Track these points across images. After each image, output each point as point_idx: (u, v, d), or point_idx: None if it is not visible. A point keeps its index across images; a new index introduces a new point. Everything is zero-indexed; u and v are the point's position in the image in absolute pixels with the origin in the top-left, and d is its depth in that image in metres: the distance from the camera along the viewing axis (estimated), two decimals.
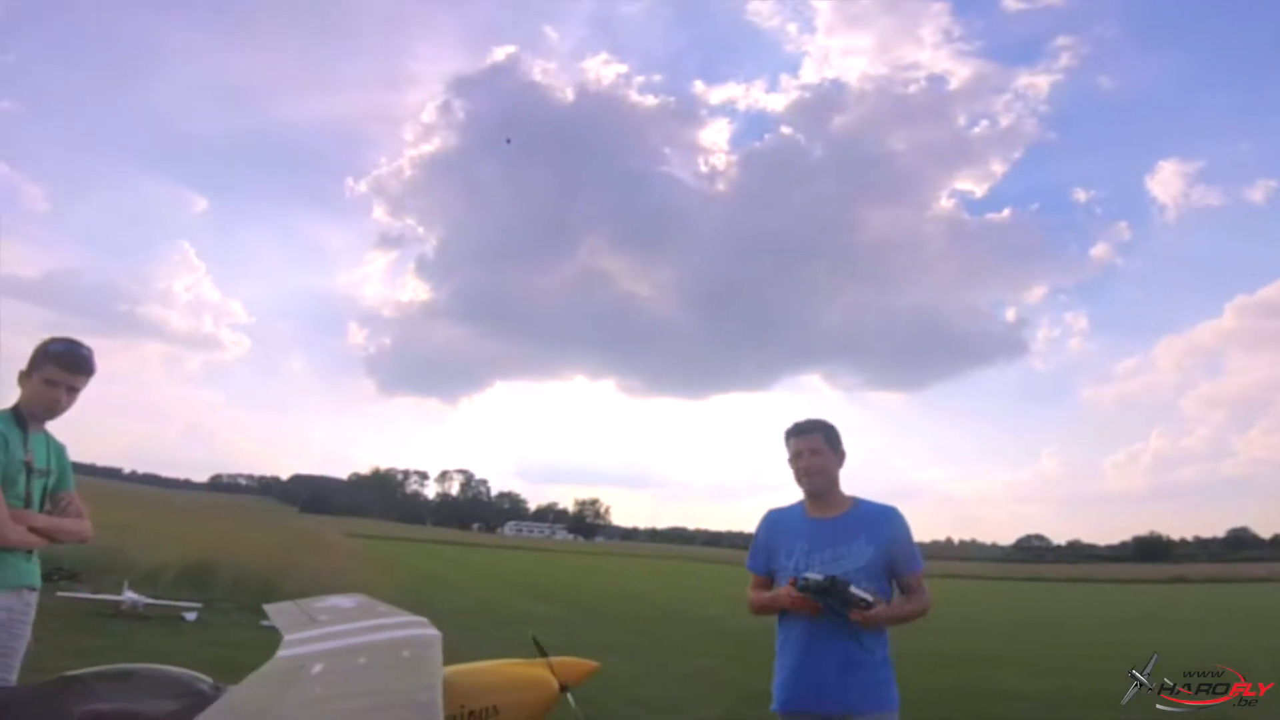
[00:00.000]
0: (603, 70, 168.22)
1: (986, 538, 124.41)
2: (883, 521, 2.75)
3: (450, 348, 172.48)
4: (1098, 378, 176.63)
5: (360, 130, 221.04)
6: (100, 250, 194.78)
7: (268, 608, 3.63)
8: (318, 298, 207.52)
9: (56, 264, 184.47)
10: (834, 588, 2.62)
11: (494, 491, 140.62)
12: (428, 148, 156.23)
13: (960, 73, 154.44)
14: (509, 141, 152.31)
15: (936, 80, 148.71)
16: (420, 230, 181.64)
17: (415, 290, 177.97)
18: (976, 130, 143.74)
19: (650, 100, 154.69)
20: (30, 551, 2.87)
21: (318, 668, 2.56)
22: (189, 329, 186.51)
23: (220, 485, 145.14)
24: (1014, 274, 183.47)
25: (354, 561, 17.28)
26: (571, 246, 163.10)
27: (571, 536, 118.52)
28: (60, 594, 8.99)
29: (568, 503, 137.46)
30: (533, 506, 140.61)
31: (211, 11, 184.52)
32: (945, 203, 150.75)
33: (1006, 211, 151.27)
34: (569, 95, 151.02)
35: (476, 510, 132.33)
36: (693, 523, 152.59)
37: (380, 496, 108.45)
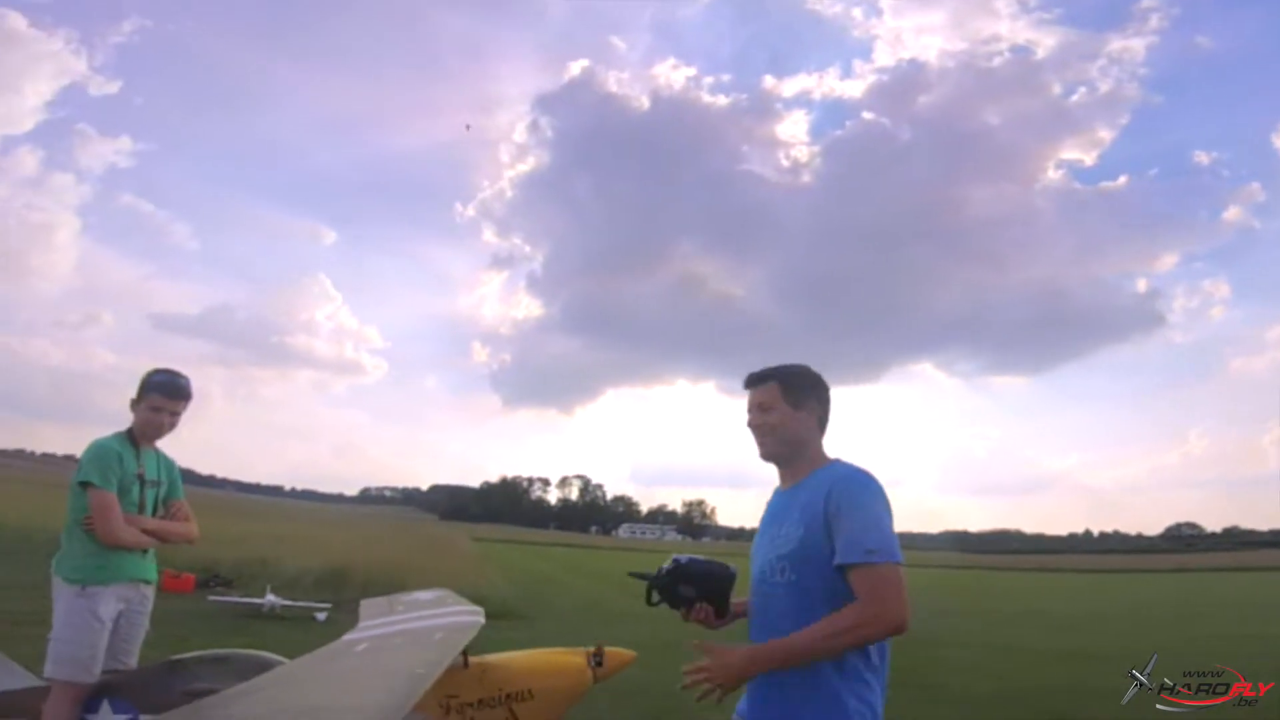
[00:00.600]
0: (672, 75, 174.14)
1: (1131, 528, 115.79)
2: (820, 493, 1.90)
3: (564, 360, 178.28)
4: (1247, 347, 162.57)
5: (461, 155, 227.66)
6: (248, 285, 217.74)
7: (363, 602, 3.90)
8: (443, 320, 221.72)
9: (212, 300, 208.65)
10: (658, 581, 2.18)
11: (609, 495, 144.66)
12: (524, 167, 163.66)
13: (1045, 42, 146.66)
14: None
15: (1021, 51, 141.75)
16: (527, 249, 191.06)
17: (528, 307, 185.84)
18: (1074, 98, 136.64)
19: (722, 100, 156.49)
20: (145, 550, 3.26)
21: (362, 646, 2.85)
22: (333, 356, 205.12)
23: (369, 498, 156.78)
24: (1139, 243, 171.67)
25: (476, 564, 18.29)
26: (665, 253, 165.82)
27: (680, 537, 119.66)
28: (211, 598, 10.18)
29: (676, 504, 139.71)
30: (644, 509, 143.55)
31: (314, 51, 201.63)
32: (1053, 174, 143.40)
33: (1123, 179, 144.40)
34: (644, 103, 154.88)
35: (594, 514, 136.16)
36: None
37: (508, 503, 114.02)
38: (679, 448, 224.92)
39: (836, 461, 2.02)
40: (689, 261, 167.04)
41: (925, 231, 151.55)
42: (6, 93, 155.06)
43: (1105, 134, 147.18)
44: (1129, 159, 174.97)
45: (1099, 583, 34.21)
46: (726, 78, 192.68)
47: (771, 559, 1.97)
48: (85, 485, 3.09)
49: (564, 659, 3.35)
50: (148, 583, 3.29)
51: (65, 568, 3.09)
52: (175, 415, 3.31)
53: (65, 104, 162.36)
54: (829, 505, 1.86)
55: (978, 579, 38.81)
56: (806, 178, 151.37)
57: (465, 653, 2.95)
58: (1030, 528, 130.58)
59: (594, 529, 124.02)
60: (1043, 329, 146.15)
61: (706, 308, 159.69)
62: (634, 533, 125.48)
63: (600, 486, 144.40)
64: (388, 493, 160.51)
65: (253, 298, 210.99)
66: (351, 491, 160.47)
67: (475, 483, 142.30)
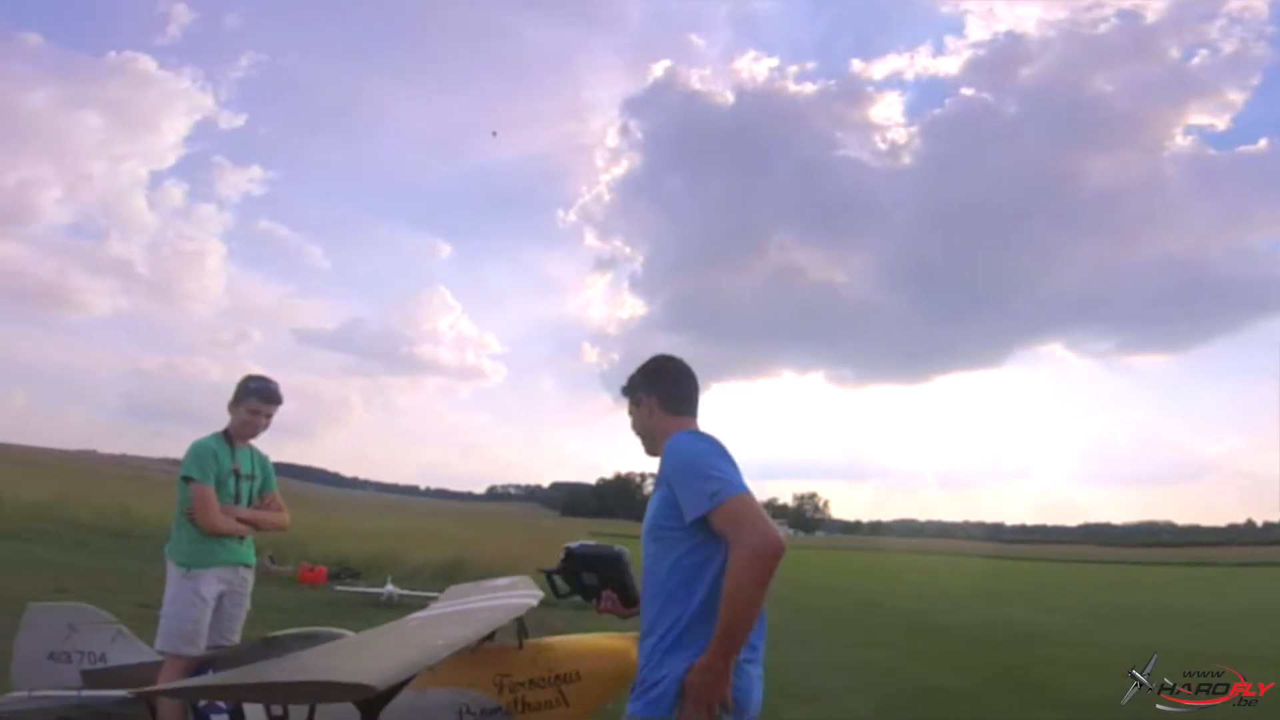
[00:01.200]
0: (754, 67, 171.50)
1: None
2: (663, 467, 2.03)
3: None
4: None
5: (559, 163, 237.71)
6: (376, 299, 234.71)
7: (450, 587, 4.27)
8: (554, 323, 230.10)
9: (346, 315, 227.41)
10: (557, 572, 2.30)
11: None
12: (618, 170, 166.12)
13: (1154, 4, 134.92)
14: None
15: (1128, 16, 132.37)
16: (627, 250, 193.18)
17: (632, 306, 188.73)
18: (1195, 61, 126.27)
19: (809, 88, 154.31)
20: (242, 537, 3.60)
21: (415, 622, 3.24)
22: (457, 362, 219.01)
23: (495, 495, 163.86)
24: None
25: None
26: (762, 244, 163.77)
27: (792, 531, 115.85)
28: (339, 588, 11.30)
29: (787, 497, 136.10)
30: None
31: (415, 74, 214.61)
32: (1182, 140, 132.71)
33: (1262, 142, 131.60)
34: (729, 98, 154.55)
35: None
36: (924, 513, 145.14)
37: (623, 498, 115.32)
38: (788, 440, 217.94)
39: (675, 434, 2.08)
40: (787, 252, 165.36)
41: (1041, 207, 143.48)
42: (148, 131, 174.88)
43: (1236, 96, 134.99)
44: (1266, 120, 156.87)
45: (1263, 577, 30.77)
46: (811, 65, 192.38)
47: (644, 538, 2.08)
48: (187, 480, 3.46)
49: (612, 644, 3.41)
50: (247, 566, 3.64)
51: (174, 553, 3.49)
52: (269, 417, 3.67)
53: (199, 138, 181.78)
54: (667, 475, 1.98)
55: (1119, 574, 35.93)
56: (907, 159, 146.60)
57: (522, 635, 3.16)
58: (1183, 519, 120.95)
59: None
60: (1183, 303, 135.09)
61: (808, 297, 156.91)
62: None
63: None
64: (512, 490, 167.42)
65: (381, 311, 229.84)
66: (479, 490, 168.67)
67: (592, 479, 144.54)
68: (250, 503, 3.66)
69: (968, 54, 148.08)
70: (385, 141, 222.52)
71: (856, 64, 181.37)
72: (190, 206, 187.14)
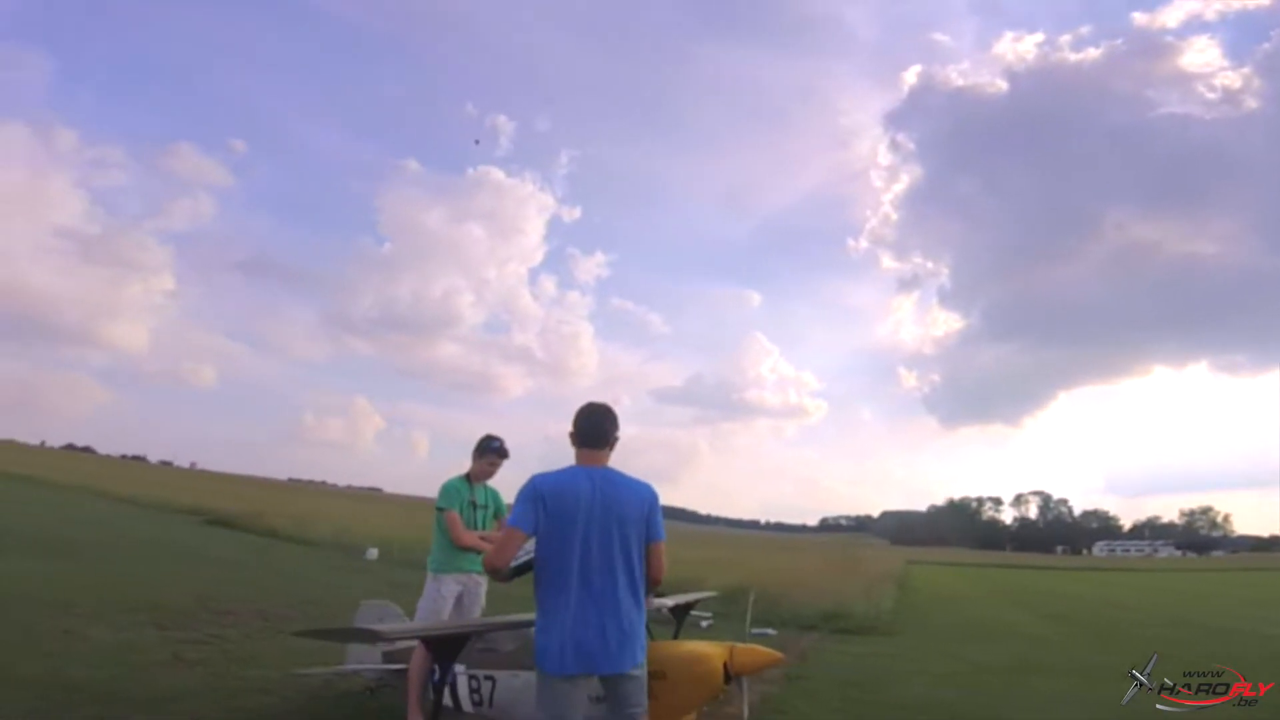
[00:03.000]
0: (1019, 48, 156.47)
1: None
2: None
3: (998, 369, 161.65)
4: None
5: (837, 193, 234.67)
6: (708, 354, 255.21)
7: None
8: (865, 352, 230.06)
9: (688, 372, 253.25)
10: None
11: (1077, 511, 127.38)
12: (899, 186, 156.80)
13: None
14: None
15: None
16: (929, 265, 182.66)
17: (946, 322, 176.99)
18: None
19: (1092, 53, 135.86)
20: (478, 552, 4.53)
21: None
22: (780, 403, 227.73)
23: (827, 526, 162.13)
24: None
25: (869, 582, 18.99)
26: (1092, 228, 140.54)
27: (1180, 553, 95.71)
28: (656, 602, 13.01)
29: (1172, 514, 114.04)
30: (1126, 524, 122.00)
31: (688, 140, 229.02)
32: None
33: None
34: (1001, 85, 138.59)
35: (1058, 532, 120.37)
36: None
37: (959, 525, 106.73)
38: (1169, 447, 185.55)
39: None
40: (1125, 230, 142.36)
41: None
42: (517, 234, 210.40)
43: None
44: None
45: None
46: (1085, 30, 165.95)
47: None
48: (440, 510, 4.69)
49: (701, 649, 3.68)
50: (478, 573, 4.70)
51: (429, 562, 4.76)
52: (497, 467, 4.88)
53: (554, 234, 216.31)
54: None
55: None
56: (1252, 102, 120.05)
57: None
58: None
59: (1060, 549, 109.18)
60: None
61: (1169, 277, 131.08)
62: (1114, 550, 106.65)
63: (1064, 502, 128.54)
64: (843, 521, 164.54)
65: (714, 364, 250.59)
66: (812, 522, 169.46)
67: (923, 506, 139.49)
68: (483, 526, 4.83)
69: None
70: (687, 207, 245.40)
71: (1138, 17, 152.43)
72: (561, 295, 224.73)
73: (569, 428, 3.06)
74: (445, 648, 3.57)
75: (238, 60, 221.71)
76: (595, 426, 3.05)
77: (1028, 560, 69.97)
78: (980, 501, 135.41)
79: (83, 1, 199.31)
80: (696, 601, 4.94)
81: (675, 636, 4.36)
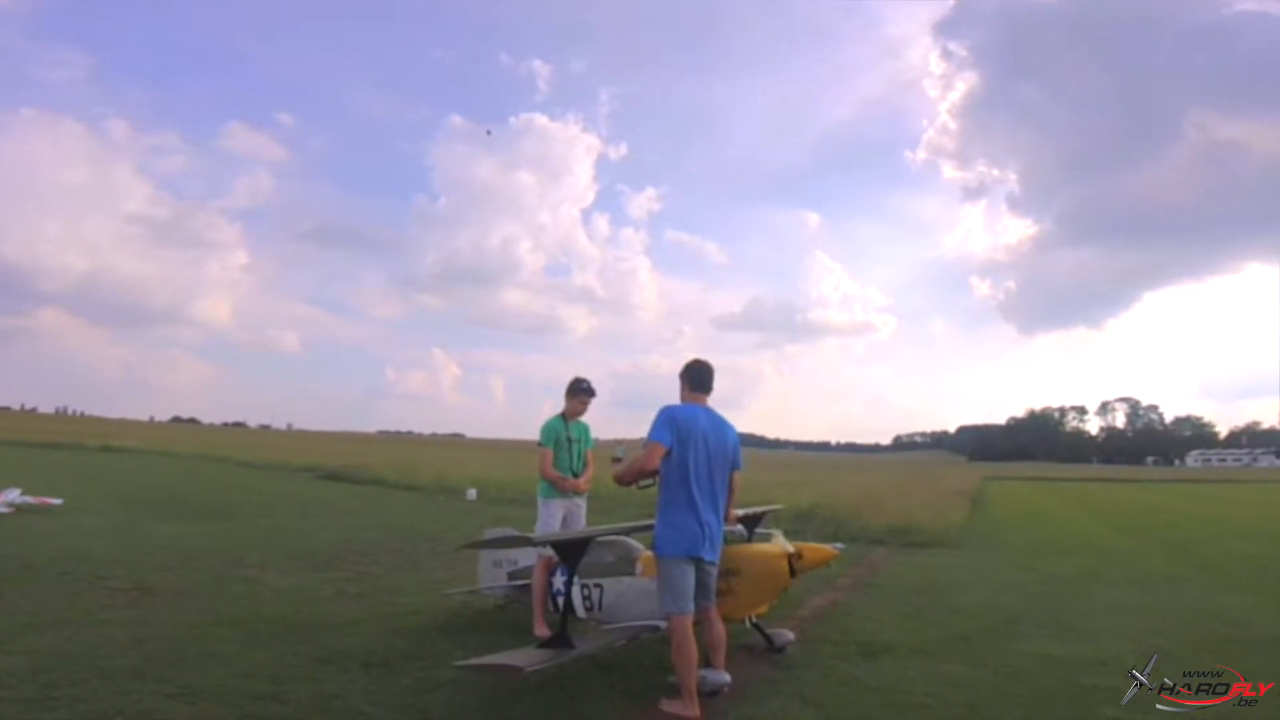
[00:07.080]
0: None
1: None
2: None
3: (1077, 273, 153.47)
4: None
5: (892, 104, 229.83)
6: (767, 277, 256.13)
7: None
8: (933, 265, 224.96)
9: (746, 297, 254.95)
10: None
11: (1169, 418, 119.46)
12: (955, 95, 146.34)
13: None
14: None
15: None
16: (995, 172, 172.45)
17: (1018, 229, 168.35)
18: None
19: None
20: (564, 481, 5.42)
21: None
22: (847, 321, 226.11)
23: (901, 445, 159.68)
24: None
25: (941, 499, 19.33)
26: (1172, 128, 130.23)
27: None
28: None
29: (1272, 419, 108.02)
30: (1223, 431, 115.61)
31: (733, 63, 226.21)
32: None
33: None
34: None
35: (1149, 442, 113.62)
36: None
37: (1040, 438, 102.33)
38: (1266, 348, 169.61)
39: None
40: (1210, 130, 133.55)
41: None
42: (568, 176, 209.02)
43: None
44: None
45: None
46: None
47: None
48: (540, 445, 5.43)
49: (768, 548, 4.50)
50: (579, 496, 5.53)
51: (539, 490, 5.51)
52: (587, 404, 5.60)
53: (603, 173, 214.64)
54: None
55: None
56: None
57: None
58: None
59: (1151, 460, 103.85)
60: None
61: (1260, 174, 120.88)
62: (1209, 460, 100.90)
63: (1155, 409, 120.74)
64: (918, 438, 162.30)
65: (774, 287, 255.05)
66: (885, 440, 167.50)
67: (1002, 419, 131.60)
68: (579, 457, 5.57)
69: None
70: (735, 133, 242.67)
71: None
72: (615, 232, 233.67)
73: (676, 371, 4.21)
74: (573, 550, 4.29)
75: (272, 34, 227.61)
76: (705, 377, 4.18)
77: (1114, 473, 67.40)
78: (1063, 412, 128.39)
79: None
80: (764, 514, 5.61)
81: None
